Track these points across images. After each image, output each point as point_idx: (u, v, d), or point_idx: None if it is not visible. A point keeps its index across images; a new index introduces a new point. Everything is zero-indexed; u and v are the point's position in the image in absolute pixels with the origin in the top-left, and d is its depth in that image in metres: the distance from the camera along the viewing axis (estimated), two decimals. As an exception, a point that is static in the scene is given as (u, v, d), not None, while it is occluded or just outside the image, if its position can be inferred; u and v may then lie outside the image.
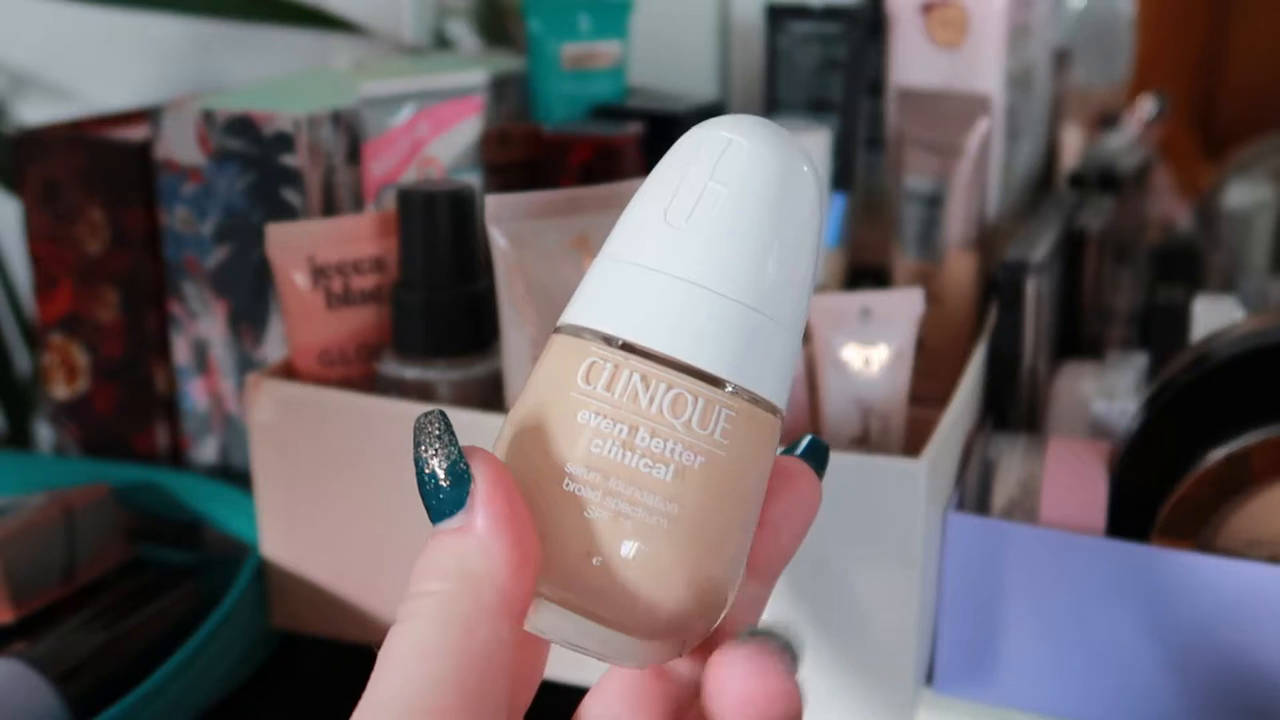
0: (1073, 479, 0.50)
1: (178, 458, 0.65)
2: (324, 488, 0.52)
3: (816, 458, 0.31)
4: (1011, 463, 0.52)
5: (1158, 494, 0.48)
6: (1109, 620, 0.47)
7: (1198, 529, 0.47)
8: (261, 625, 0.54)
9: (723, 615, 0.27)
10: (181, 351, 0.63)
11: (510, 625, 0.25)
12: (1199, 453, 0.47)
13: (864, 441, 0.52)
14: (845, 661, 0.47)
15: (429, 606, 0.25)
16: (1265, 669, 0.45)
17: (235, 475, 0.63)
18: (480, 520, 0.25)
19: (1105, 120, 0.86)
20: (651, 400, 0.26)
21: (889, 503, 0.45)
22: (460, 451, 0.25)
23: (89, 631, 0.50)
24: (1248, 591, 0.45)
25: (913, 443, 0.51)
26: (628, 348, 0.27)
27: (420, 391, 0.51)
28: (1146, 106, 0.85)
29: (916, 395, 0.53)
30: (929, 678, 0.50)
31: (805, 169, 0.28)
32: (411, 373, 0.52)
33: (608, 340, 0.27)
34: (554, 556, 0.26)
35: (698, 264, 0.27)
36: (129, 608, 0.52)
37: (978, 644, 0.49)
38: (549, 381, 0.27)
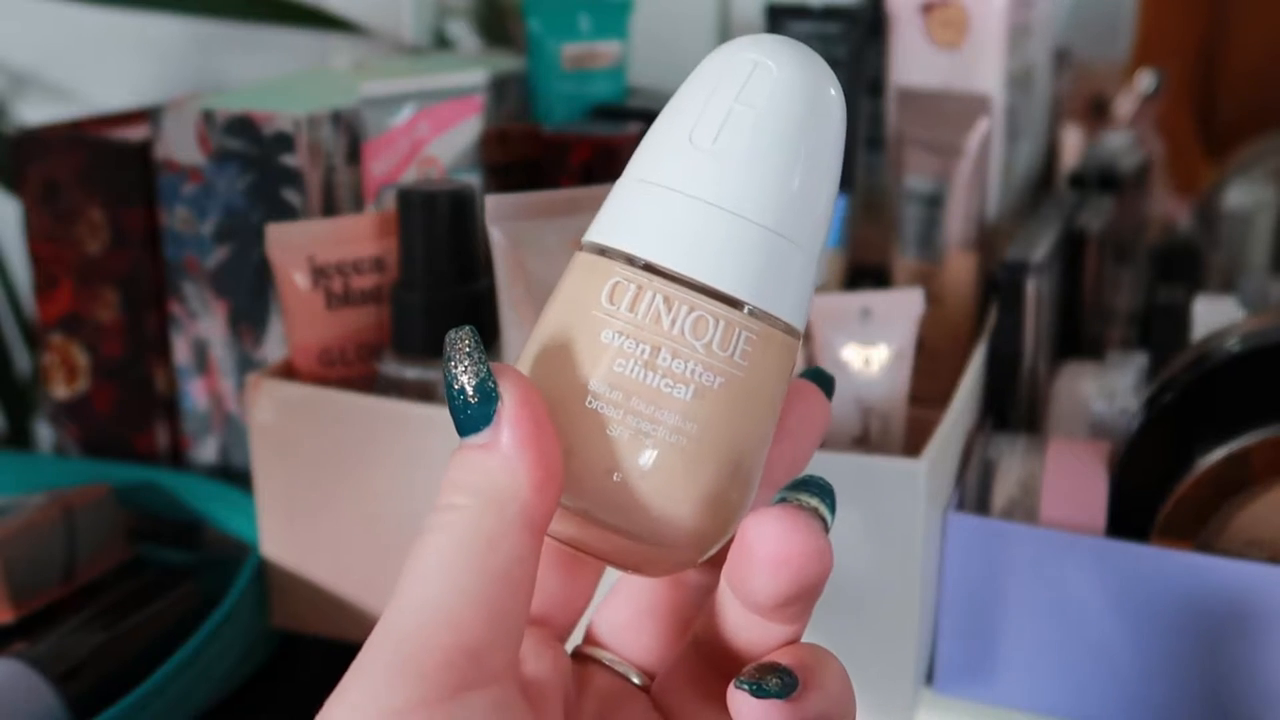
0: (1073, 479, 0.50)
1: (178, 458, 0.65)
2: (324, 488, 0.52)
3: (822, 384, 0.32)
4: (1011, 463, 0.52)
5: (1158, 494, 0.48)
6: (1109, 620, 0.47)
7: (1198, 529, 0.47)
8: (261, 625, 0.54)
9: (729, 531, 0.28)
10: (181, 351, 0.63)
11: (533, 541, 0.25)
12: (1199, 453, 0.47)
13: (864, 441, 0.52)
14: (845, 661, 0.47)
15: (455, 520, 0.25)
16: (1265, 669, 0.45)
17: (235, 475, 0.63)
18: (506, 437, 0.25)
19: (1098, 105, 0.86)
20: (674, 322, 0.27)
21: (889, 503, 0.45)
22: (489, 369, 0.26)
23: (89, 631, 0.50)
24: (1248, 591, 0.45)
25: (913, 443, 0.51)
26: (651, 269, 0.27)
27: (420, 391, 0.51)
28: (1144, 82, 0.84)
29: (916, 395, 0.53)
30: (929, 678, 0.50)
31: (832, 91, 0.28)
32: (411, 373, 0.52)
33: (631, 261, 0.27)
34: (576, 471, 0.27)
35: (722, 187, 0.27)
36: (129, 608, 0.52)
37: (978, 644, 0.49)
38: (573, 300, 0.28)
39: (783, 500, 0.26)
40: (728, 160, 0.27)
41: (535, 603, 0.29)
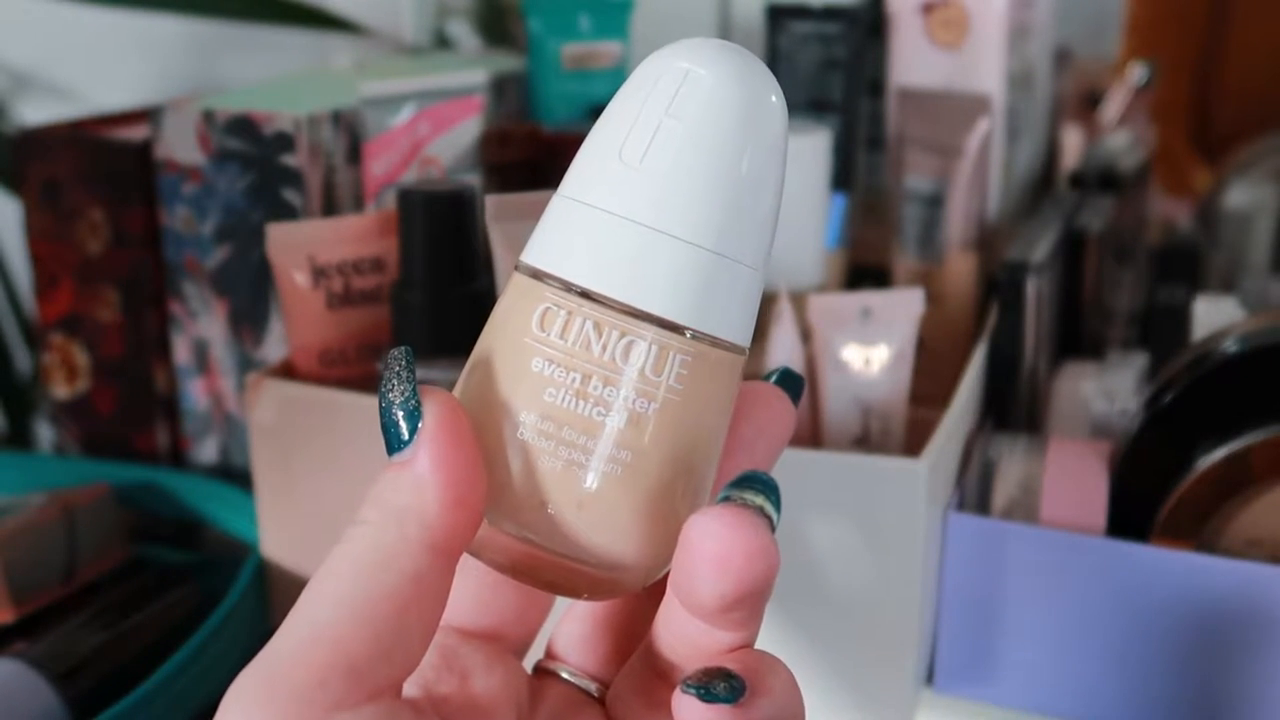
0: (1073, 479, 0.50)
1: (178, 458, 0.65)
2: (324, 488, 0.52)
3: (789, 387, 0.31)
4: (1012, 463, 0.52)
5: (1158, 494, 0.48)
6: (1109, 620, 0.47)
7: (1198, 529, 0.47)
8: (261, 625, 0.54)
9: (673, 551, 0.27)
10: (182, 351, 0.63)
11: (435, 560, 0.25)
12: (1199, 452, 0.47)
13: (864, 441, 0.52)
14: (845, 661, 0.47)
15: (357, 536, 0.25)
16: (1265, 669, 0.45)
17: (235, 475, 0.63)
18: (421, 456, 0.25)
19: (1093, 98, 0.86)
20: (604, 348, 0.26)
21: (889, 503, 0.45)
22: (415, 389, 0.26)
23: (89, 631, 0.50)
24: (1248, 591, 0.45)
25: (913, 443, 0.51)
26: (582, 293, 0.26)
27: (420, 391, 0.51)
28: (1135, 74, 0.84)
29: (917, 395, 0.53)
30: (929, 677, 0.50)
31: (771, 98, 0.27)
32: (412, 373, 0.52)
33: (563, 285, 0.26)
34: (509, 502, 0.26)
35: (651, 205, 0.26)
36: (129, 608, 0.52)
37: (978, 644, 0.49)
38: (505, 325, 0.27)
39: (726, 499, 0.25)
40: (656, 177, 0.26)
41: (488, 619, 0.29)
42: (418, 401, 0.25)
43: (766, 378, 0.31)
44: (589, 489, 0.26)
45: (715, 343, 0.27)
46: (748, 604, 0.25)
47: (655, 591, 0.29)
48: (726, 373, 0.27)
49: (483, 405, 0.27)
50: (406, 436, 0.25)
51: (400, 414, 0.25)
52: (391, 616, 0.24)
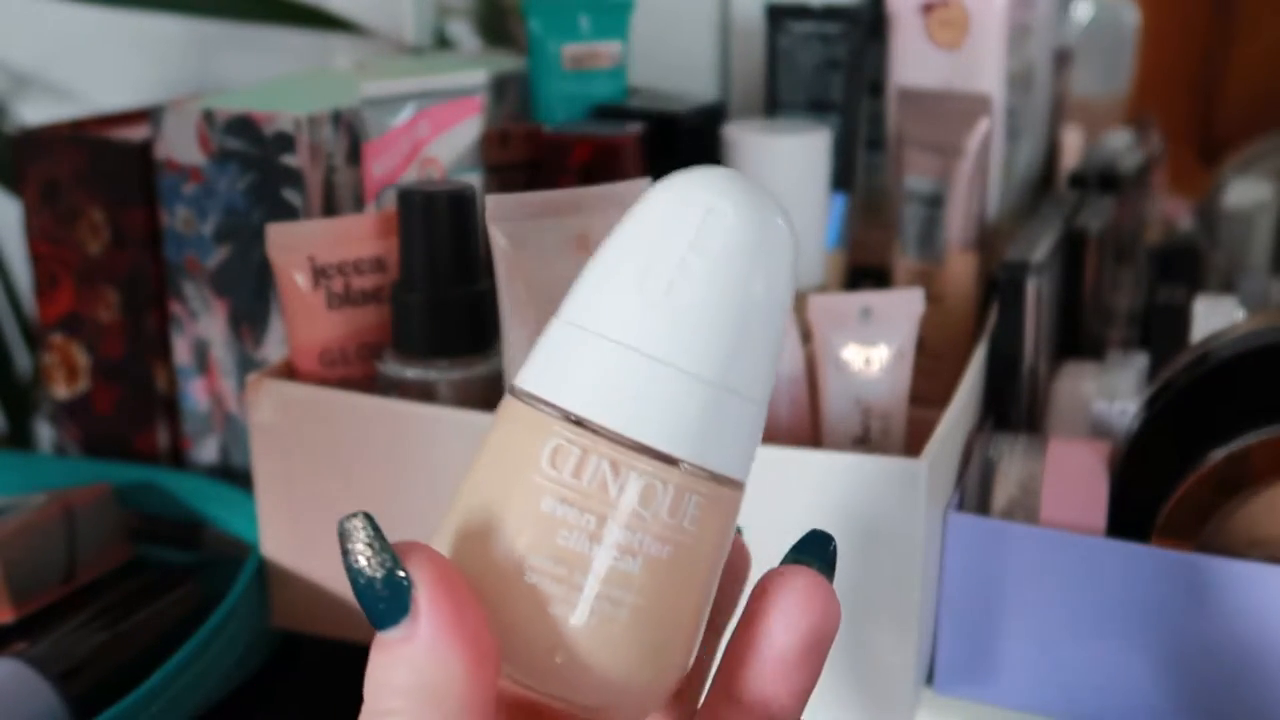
0: (1073, 479, 0.50)
1: (178, 458, 0.65)
2: (324, 488, 0.52)
3: (823, 559, 0.28)
4: (1012, 463, 0.52)
5: (1158, 494, 0.48)
6: (1109, 620, 0.47)
7: (1198, 529, 0.47)
8: (261, 625, 0.54)
9: (680, 678, 0.27)
10: (182, 351, 0.63)
11: None
12: (1199, 453, 0.47)
13: (864, 441, 0.52)
14: (845, 661, 0.47)
15: None
16: (1265, 669, 0.45)
17: (235, 475, 0.63)
18: (426, 627, 0.23)
19: (1139, 120, 0.86)
20: (621, 489, 0.25)
21: (889, 503, 0.45)
22: (394, 558, 0.24)
23: (89, 631, 0.50)
24: (1248, 591, 0.45)
25: (913, 443, 0.51)
26: (591, 428, 0.25)
27: (421, 391, 0.51)
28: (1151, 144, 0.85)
29: (916, 395, 0.53)
30: (929, 678, 0.50)
31: (783, 226, 0.27)
32: (412, 373, 0.52)
33: (574, 420, 0.25)
34: (516, 649, 0.25)
35: (676, 342, 0.25)
36: (129, 608, 0.52)
37: (978, 644, 0.49)
38: (509, 460, 0.26)
39: (800, 559, 0.26)
40: (681, 314, 0.25)
41: None
42: (403, 573, 0.24)
43: (799, 553, 0.28)
44: (600, 634, 0.25)
45: (729, 483, 0.26)
46: None
47: None
48: (732, 510, 0.27)
49: (486, 548, 0.25)
50: (398, 610, 0.24)
51: (386, 589, 0.24)
52: None
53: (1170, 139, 0.86)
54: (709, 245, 0.26)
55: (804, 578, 0.27)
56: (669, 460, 0.25)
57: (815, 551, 0.28)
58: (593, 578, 0.25)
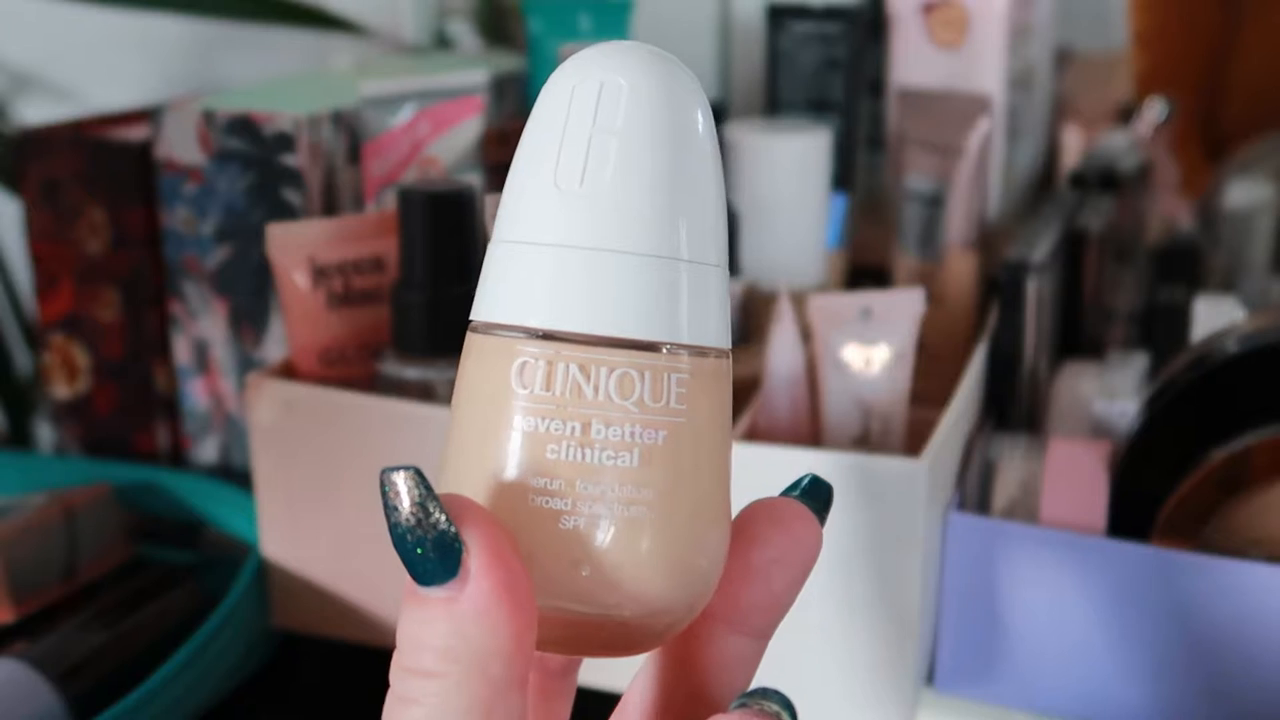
0: (1073, 479, 0.50)
1: (178, 458, 0.65)
2: (324, 487, 0.52)
3: (816, 498, 0.29)
4: (1012, 463, 0.52)
5: (1158, 494, 0.48)
6: (1109, 620, 0.47)
7: (1198, 529, 0.47)
8: (261, 625, 0.54)
9: (718, 575, 0.26)
10: (182, 351, 0.63)
11: (522, 693, 0.23)
12: (1199, 453, 0.47)
13: (864, 441, 0.52)
14: (846, 661, 0.47)
15: (435, 692, 0.23)
16: (1266, 669, 0.45)
17: (236, 475, 0.63)
18: (477, 590, 0.23)
19: (1126, 112, 0.86)
20: (596, 388, 0.25)
21: (889, 503, 0.45)
22: (448, 519, 0.23)
23: (89, 631, 0.50)
24: (1248, 591, 0.45)
25: (913, 443, 0.51)
26: (553, 337, 0.25)
27: (421, 391, 0.51)
28: (1155, 110, 0.85)
29: (917, 395, 0.53)
30: (929, 677, 0.50)
31: (688, 85, 0.26)
32: (412, 372, 0.52)
33: (530, 333, 0.25)
34: (541, 575, 0.25)
35: (604, 228, 0.25)
36: (129, 608, 0.52)
37: (978, 644, 0.49)
38: (480, 391, 0.25)
39: (743, 705, 0.25)
40: (600, 198, 0.25)
41: None
42: (455, 531, 0.23)
43: (790, 489, 0.29)
44: (619, 538, 0.25)
45: (703, 352, 0.26)
46: None
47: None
48: (722, 379, 0.26)
49: (486, 484, 0.25)
50: (446, 571, 0.23)
51: (437, 551, 0.23)
52: None
53: (1184, 144, 0.86)
54: (611, 121, 0.25)
55: (783, 504, 0.28)
56: (635, 345, 0.25)
57: (805, 489, 0.29)
58: (594, 483, 0.25)
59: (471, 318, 0.26)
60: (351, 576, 0.53)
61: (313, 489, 0.53)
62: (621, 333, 0.25)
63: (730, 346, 0.27)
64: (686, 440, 0.25)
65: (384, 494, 0.23)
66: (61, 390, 0.66)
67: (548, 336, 0.25)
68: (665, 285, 0.25)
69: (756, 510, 0.28)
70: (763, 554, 0.27)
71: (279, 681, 0.54)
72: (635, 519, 0.25)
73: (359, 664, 0.53)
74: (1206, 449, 0.47)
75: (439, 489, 0.25)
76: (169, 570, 0.56)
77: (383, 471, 0.23)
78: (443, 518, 0.23)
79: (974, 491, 0.51)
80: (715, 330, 0.26)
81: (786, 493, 0.29)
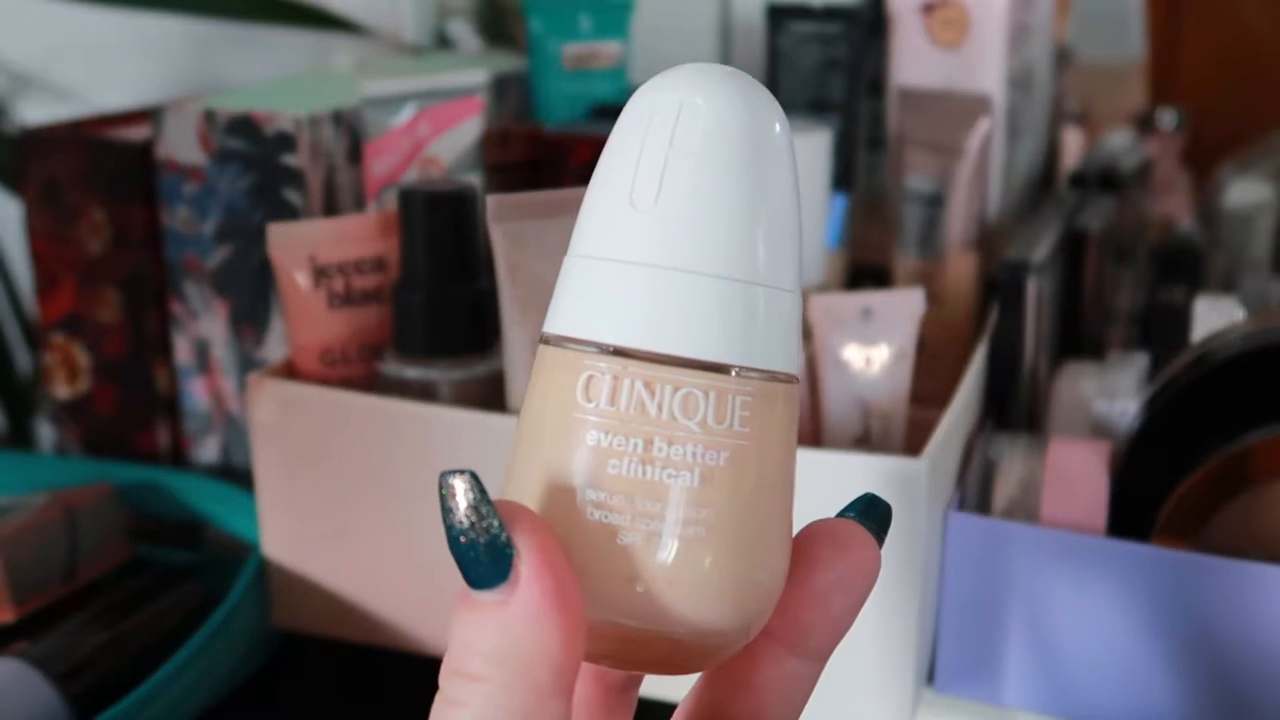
0: (1073, 479, 0.50)
1: (179, 457, 0.65)
2: (325, 487, 0.52)
3: (874, 518, 0.29)
4: (1012, 463, 0.52)
5: (1158, 494, 0.48)
6: (1109, 620, 0.47)
7: (1198, 529, 0.47)
8: (262, 625, 0.54)
9: (776, 598, 0.26)
10: (183, 351, 0.63)
11: (567, 702, 0.24)
12: (1199, 453, 0.47)
13: (865, 441, 0.52)
14: (845, 661, 0.47)
15: (479, 695, 0.23)
16: (1265, 669, 0.45)
17: (236, 475, 0.63)
18: (527, 596, 0.23)
19: (1145, 119, 0.86)
20: (660, 406, 0.25)
21: (890, 503, 0.45)
22: (500, 523, 0.23)
23: (90, 631, 0.50)
24: (1248, 591, 0.45)
25: (913, 443, 0.51)
26: (622, 353, 0.25)
27: (421, 391, 0.51)
28: (1166, 119, 0.85)
29: (917, 395, 0.53)
30: (929, 677, 0.50)
31: (768, 109, 0.26)
32: (413, 372, 0.52)
33: (600, 348, 0.25)
34: (595, 587, 0.25)
35: (676, 247, 0.25)
36: (130, 607, 0.52)
37: (978, 644, 0.49)
38: (546, 403, 0.26)
39: (851, 515, 0.27)
40: (674, 217, 0.25)
41: None
42: (508, 536, 0.23)
43: (848, 510, 0.29)
44: (675, 556, 0.25)
45: (771, 377, 0.26)
46: None
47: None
48: (788, 404, 0.26)
49: (545, 496, 0.25)
50: (498, 575, 0.23)
51: (489, 554, 0.23)
52: None
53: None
54: (688, 141, 0.25)
55: (843, 526, 0.28)
56: (702, 366, 0.25)
57: (862, 509, 0.29)
58: (653, 500, 0.25)
59: (543, 330, 0.27)
60: (351, 576, 0.53)
61: (313, 489, 0.53)
62: (689, 352, 0.25)
63: (797, 372, 0.27)
64: (749, 463, 0.25)
65: (441, 496, 0.23)
66: (62, 390, 0.66)
67: (617, 352, 0.25)
68: (736, 307, 0.25)
69: (816, 532, 0.28)
70: (824, 577, 0.27)
71: (279, 681, 0.54)
72: (693, 538, 0.25)
73: (359, 664, 0.53)
74: (1206, 449, 0.47)
75: (499, 496, 0.25)
76: (169, 570, 0.56)
77: (441, 474, 0.23)
78: (495, 522, 0.23)
79: (974, 491, 0.51)
80: (784, 355, 0.26)
81: (844, 513, 0.29)
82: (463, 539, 0.23)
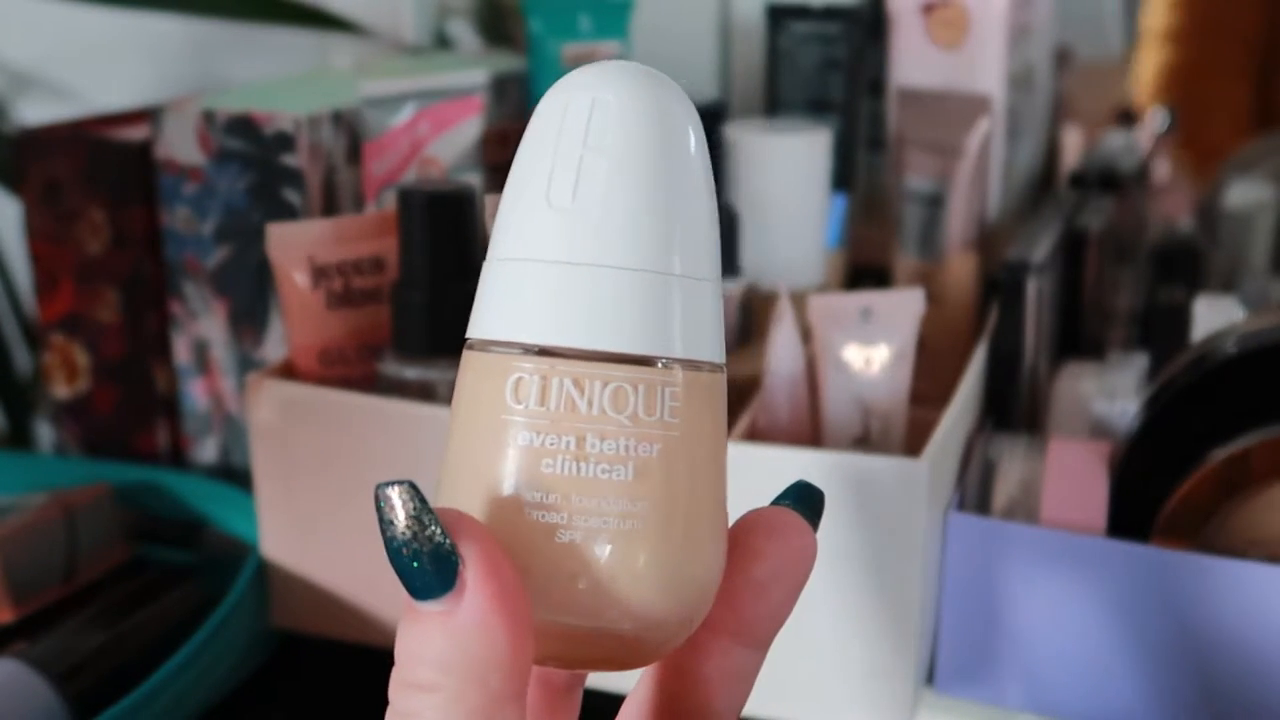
0: (1073, 479, 0.50)
1: (178, 457, 0.65)
2: (324, 487, 0.52)
3: (808, 504, 0.29)
4: (1012, 463, 0.52)
5: (1158, 494, 0.48)
6: (1109, 620, 0.47)
7: (1198, 529, 0.47)
8: (261, 625, 0.54)
9: (715, 588, 0.27)
10: (182, 351, 0.63)
11: (521, 706, 0.24)
12: (1199, 453, 0.47)
13: (865, 441, 0.52)
14: (845, 661, 0.47)
15: (432, 706, 0.23)
16: (1266, 668, 0.45)
17: (236, 475, 0.63)
18: (473, 603, 0.23)
19: (1125, 117, 0.86)
20: (590, 402, 0.25)
21: (889, 503, 0.45)
22: (443, 531, 0.23)
23: (89, 631, 0.50)
24: (1248, 591, 0.45)
25: (913, 443, 0.51)
26: (548, 352, 0.25)
27: (421, 391, 0.51)
28: (1157, 119, 0.85)
29: (917, 395, 0.53)
30: (929, 677, 0.50)
31: (678, 106, 0.26)
32: (412, 372, 0.52)
33: (526, 349, 0.25)
34: (539, 589, 0.25)
35: (596, 243, 0.25)
36: (129, 608, 0.52)
37: (978, 644, 0.49)
38: (477, 408, 0.26)
39: (782, 502, 0.26)
40: (592, 214, 0.25)
41: None
42: (452, 544, 0.23)
43: (782, 497, 0.29)
44: (614, 551, 0.25)
45: (696, 366, 0.26)
46: None
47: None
48: (714, 394, 0.26)
49: (482, 499, 0.25)
50: (441, 585, 0.23)
51: (434, 564, 0.23)
52: None
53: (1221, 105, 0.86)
54: (601, 140, 0.25)
55: (779, 515, 0.28)
56: (629, 360, 0.25)
57: (796, 496, 0.29)
58: (590, 496, 0.25)
59: (467, 335, 0.27)
60: (351, 576, 0.53)
61: (313, 489, 0.53)
62: (615, 347, 0.25)
63: (724, 360, 0.27)
64: (680, 453, 0.26)
65: (379, 509, 0.23)
66: (61, 390, 0.66)
67: (542, 352, 0.25)
68: (658, 300, 0.25)
69: (752, 521, 0.28)
70: (761, 567, 0.27)
71: (279, 681, 0.54)
72: (631, 532, 0.25)
73: (359, 664, 0.53)
74: (1206, 449, 0.47)
75: (435, 504, 0.25)
76: (169, 570, 0.56)
77: (377, 486, 0.23)
78: (438, 531, 0.23)
79: (974, 491, 0.51)
80: (709, 344, 0.26)
81: (778, 501, 0.29)
82: (404, 550, 0.23)
